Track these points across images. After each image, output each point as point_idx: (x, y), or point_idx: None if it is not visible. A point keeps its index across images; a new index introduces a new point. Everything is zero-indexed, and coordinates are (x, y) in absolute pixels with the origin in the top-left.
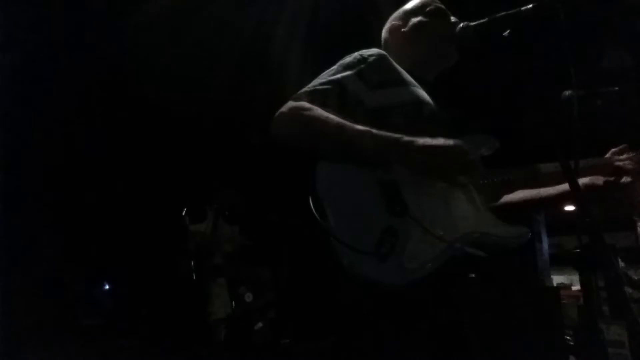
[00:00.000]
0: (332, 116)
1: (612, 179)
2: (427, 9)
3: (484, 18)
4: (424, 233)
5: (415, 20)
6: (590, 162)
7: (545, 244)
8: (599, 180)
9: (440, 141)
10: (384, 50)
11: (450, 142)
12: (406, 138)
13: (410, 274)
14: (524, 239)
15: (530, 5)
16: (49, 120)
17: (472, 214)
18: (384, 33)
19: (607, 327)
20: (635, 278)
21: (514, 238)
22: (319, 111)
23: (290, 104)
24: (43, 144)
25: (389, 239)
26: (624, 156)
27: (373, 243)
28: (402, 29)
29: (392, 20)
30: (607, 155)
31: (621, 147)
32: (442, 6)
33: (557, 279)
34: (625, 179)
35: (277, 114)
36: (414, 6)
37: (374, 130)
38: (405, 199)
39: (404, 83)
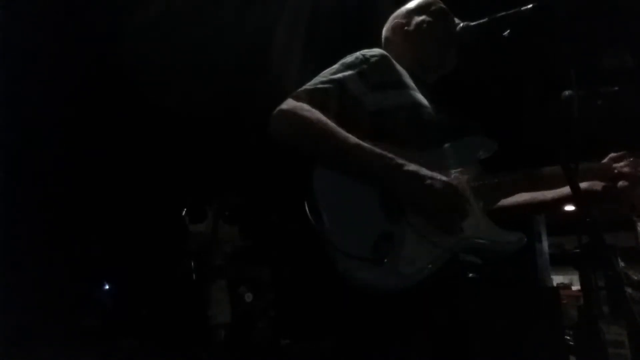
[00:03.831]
0: (330, 123)
1: (610, 184)
2: (431, 8)
3: (484, 18)
4: (420, 238)
5: (418, 19)
6: (589, 166)
7: (545, 244)
8: (597, 185)
9: (434, 175)
10: (385, 48)
11: (444, 179)
12: (398, 160)
13: (406, 278)
14: (520, 244)
15: (530, 5)
16: (49, 120)
17: (470, 218)
18: (386, 31)
19: (607, 327)
20: (636, 278)
21: (510, 243)
22: (318, 115)
23: (290, 102)
24: (43, 143)
25: (384, 243)
26: (623, 162)
27: (369, 247)
28: (405, 28)
29: (395, 18)
30: (606, 160)
31: (621, 153)
32: (445, 7)
33: (557, 279)
34: (623, 183)
35: (276, 110)
36: (418, 5)
37: (370, 146)
38: (402, 203)
39: (404, 86)
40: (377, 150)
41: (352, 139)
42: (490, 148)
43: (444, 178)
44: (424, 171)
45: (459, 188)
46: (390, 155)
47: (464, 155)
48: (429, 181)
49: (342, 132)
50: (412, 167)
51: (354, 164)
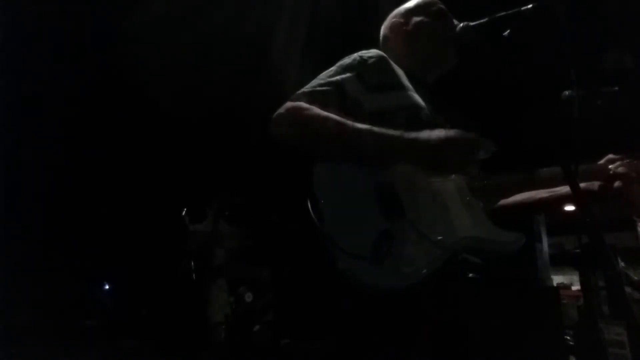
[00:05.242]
0: (331, 115)
1: (606, 184)
2: (430, 9)
3: (484, 18)
4: (420, 237)
5: (417, 19)
6: (586, 167)
7: (545, 244)
8: (594, 185)
9: (442, 132)
10: (383, 46)
11: (451, 132)
12: (408, 134)
13: (406, 278)
14: (519, 244)
15: (530, 5)
16: (49, 120)
17: (469, 218)
18: (384, 29)
19: (607, 327)
20: (636, 278)
21: (509, 243)
22: (317, 110)
23: (289, 104)
24: (43, 143)
25: (385, 243)
26: (619, 162)
27: (369, 246)
28: (404, 27)
29: (394, 17)
30: (602, 161)
31: (619, 155)
32: (444, 7)
33: (557, 279)
34: (618, 184)
35: (275, 115)
36: (417, 5)
37: (375, 128)
38: (402, 202)
39: (402, 87)
40: (385, 129)
41: (358, 124)
42: (489, 149)
43: (451, 131)
44: (432, 132)
45: (467, 134)
46: (399, 132)
47: None
48: (442, 136)
49: (347, 120)
50: (423, 133)
51: (364, 145)
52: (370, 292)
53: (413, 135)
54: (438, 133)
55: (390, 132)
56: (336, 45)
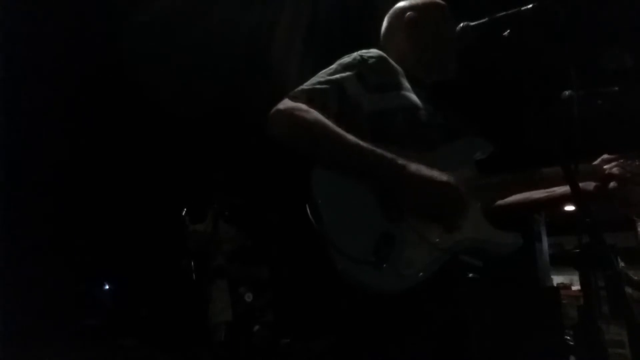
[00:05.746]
0: (329, 123)
1: (601, 184)
2: (442, 12)
3: (484, 18)
4: (420, 240)
5: (429, 20)
6: (582, 167)
7: (545, 244)
8: (590, 185)
9: (434, 174)
10: (385, 36)
11: (444, 177)
12: (400, 161)
13: (406, 280)
14: (517, 245)
15: (530, 6)
16: (49, 120)
17: (467, 220)
18: (393, 18)
19: (607, 327)
20: (636, 278)
21: (507, 244)
22: (316, 115)
23: (288, 102)
24: (43, 144)
25: (385, 245)
26: (614, 163)
27: (369, 248)
28: (415, 24)
29: (408, 9)
30: (597, 162)
31: (613, 155)
32: (450, 13)
33: (557, 279)
34: (613, 184)
35: (273, 110)
36: (430, 5)
37: (370, 146)
38: (402, 204)
39: (401, 87)
40: (378, 150)
41: (352, 139)
42: (486, 149)
43: (444, 177)
44: (425, 170)
45: (459, 186)
46: (390, 155)
47: (461, 156)
48: (430, 181)
49: (341, 132)
50: (413, 167)
51: (354, 165)
52: (370, 293)
53: (402, 163)
54: (426, 171)
55: (384, 154)
56: (336, 45)
